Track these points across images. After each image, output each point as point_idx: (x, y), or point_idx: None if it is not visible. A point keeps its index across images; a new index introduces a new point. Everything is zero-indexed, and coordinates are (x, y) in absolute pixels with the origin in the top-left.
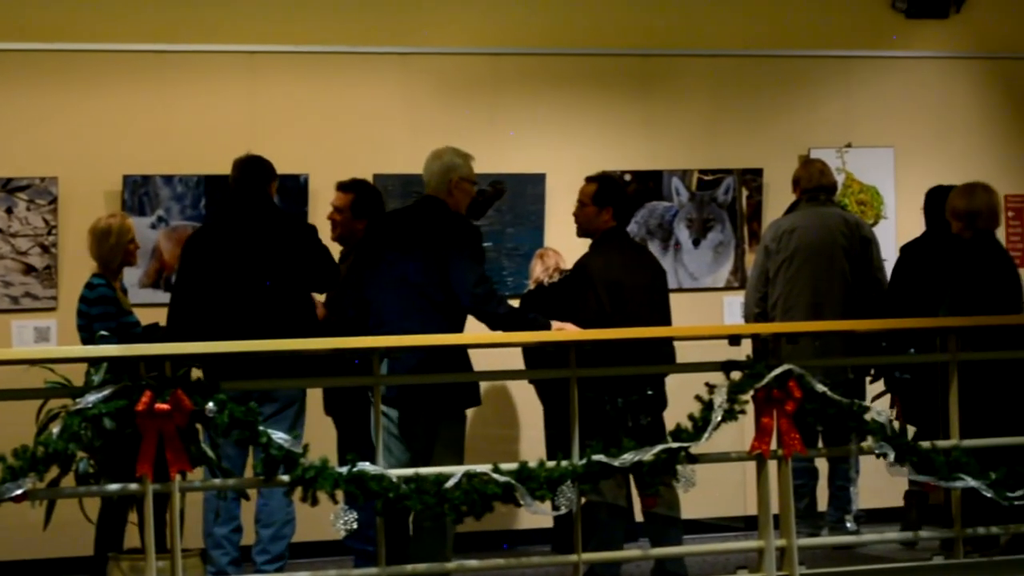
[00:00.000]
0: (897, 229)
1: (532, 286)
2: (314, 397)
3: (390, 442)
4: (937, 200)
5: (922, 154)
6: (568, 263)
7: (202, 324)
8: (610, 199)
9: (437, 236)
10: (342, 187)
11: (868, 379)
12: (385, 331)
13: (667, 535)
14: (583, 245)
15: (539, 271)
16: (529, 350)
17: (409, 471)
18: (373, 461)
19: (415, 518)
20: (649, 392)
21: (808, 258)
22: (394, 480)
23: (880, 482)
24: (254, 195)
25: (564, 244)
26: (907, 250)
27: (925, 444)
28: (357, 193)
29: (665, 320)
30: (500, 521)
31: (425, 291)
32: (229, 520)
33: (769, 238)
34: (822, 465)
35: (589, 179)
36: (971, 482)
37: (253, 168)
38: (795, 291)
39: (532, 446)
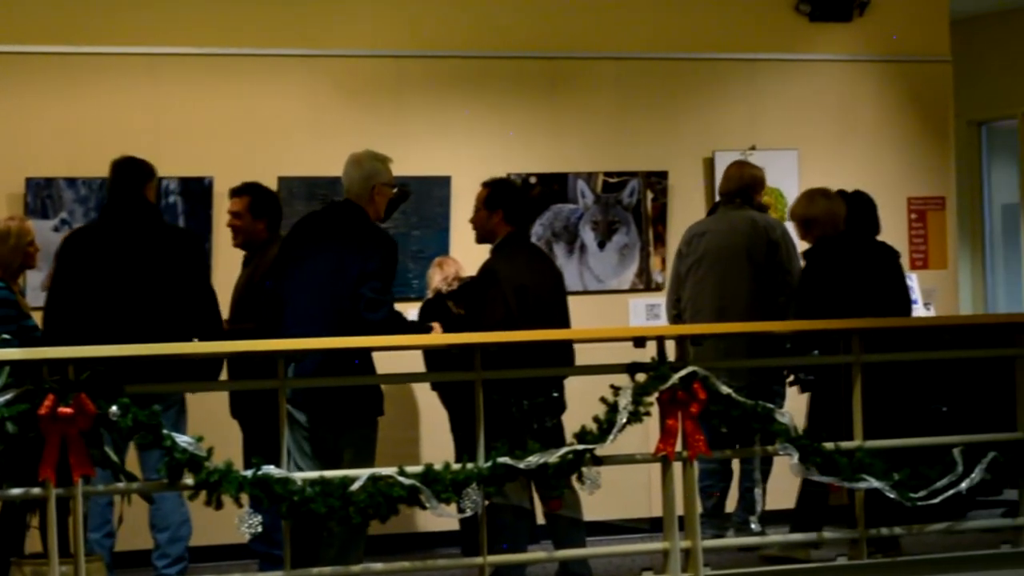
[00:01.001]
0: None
1: (430, 295)
2: (221, 399)
3: (298, 445)
4: (854, 204)
5: (826, 156)
6: (469, 270)
7: (78, 327)
8: (500, 202)
9: (353, 244)
10: (236, 192)
11: (788, 380)
12: (295, 334)
13: (570, 537)
14: (488, 249)
15: (437, 280)
16: (431, 354)
17: (314, 474)
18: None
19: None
20: (555, 394)
21: (715, 262)
22: (299, 483)
23: (788, 483)
24: (129, 197)
25: (470, 247)
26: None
27: (829, 445)
28: (252, 195)
29: (565, 323)
30: (407, 524)
31: (336, 296)
32: (102, 524)
33: (683, 241)
34: (736, 467)
35: (485, 183)
36: (874, 483)
37: (127, 170)
38: (702, 294)
39: (437, 448)
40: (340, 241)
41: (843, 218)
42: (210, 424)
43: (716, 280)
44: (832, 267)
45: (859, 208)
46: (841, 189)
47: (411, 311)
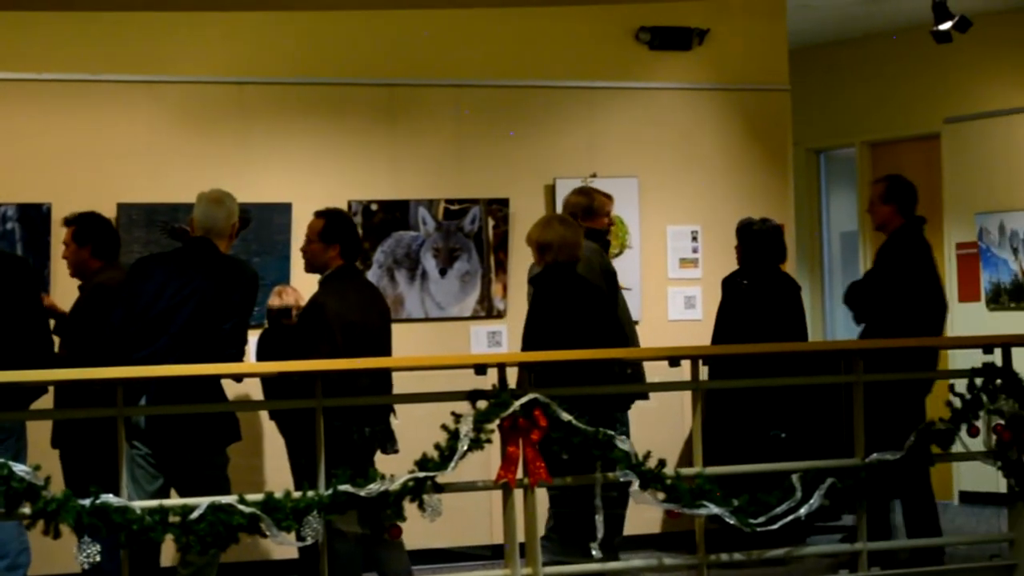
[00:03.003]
0: (641, 258)
1: (267, 324)
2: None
3: (138, 474)
4: (745, 234)
5: (666, 184)
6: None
7: None
8: (337, 236)
9: (217, 278)
10: (69, 222)
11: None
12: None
13: (396, 564)
14: None
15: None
16: (268, 382)
17: (153, 503)
18: (117, 493)
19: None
20: (396, 421)
21: None
22: (138, 512)
23: (636, 509)
24: None
25: (311, 275)
26: (728, 284)
27: (669, 472)
28: (78, 224)
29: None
30: (247, 553)
31: (195, 330)
32: None
33: None
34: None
35: (318, 214)
36: (714, 509)
37: None
38: None
39: (278, 476)
40: (203, 275)
41: (578, 245)
42: (30, 454)
43: None
44: (562, 294)
45: (763, 237)
46: (764, 218)
47: (251, 338)
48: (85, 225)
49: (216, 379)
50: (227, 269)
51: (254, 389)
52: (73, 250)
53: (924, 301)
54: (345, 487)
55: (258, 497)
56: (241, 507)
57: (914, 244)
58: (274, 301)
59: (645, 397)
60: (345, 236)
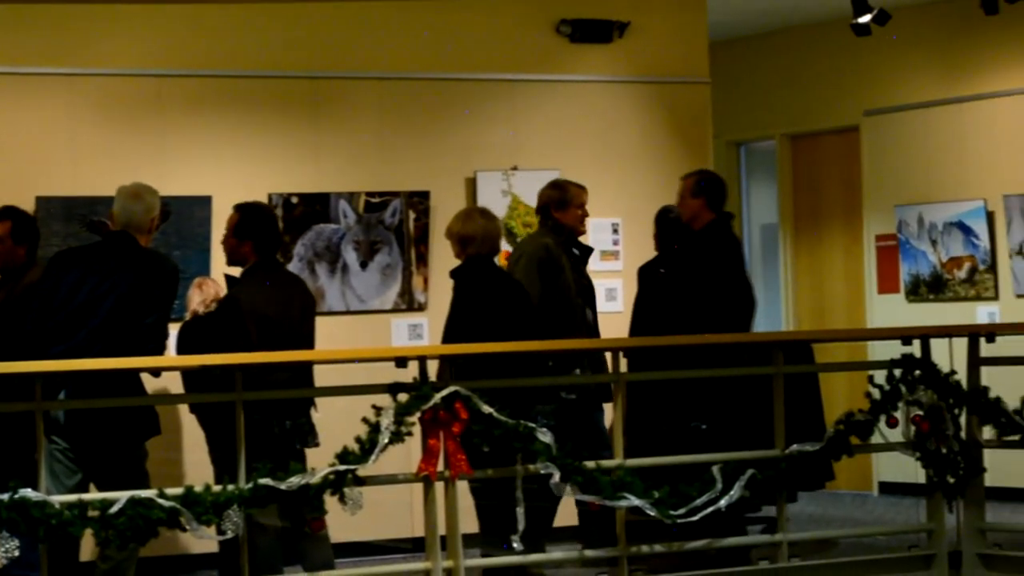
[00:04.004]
0: None
1: (188, 316)
2: None
3: (57, 469)
4: (663, 222)
5: (587, 176)
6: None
7: None
8: (251, 231)
9: (137, 272)
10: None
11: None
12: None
13: (318, 557)
14: None
15: (196, 301)
16: (188, 375)
17: (72, 497)
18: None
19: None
20: (317, 414)
21: None
22: (57, 507)
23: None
24: None
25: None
26: (644, 272)
27: (590, 464)
28: (14, 220)
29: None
30: (167, 547)
31: (116, 324)
32: None
33: None
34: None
35: (236, 208)
36: (635, 501)
37: None
38: None
39: (198, 470)
40: (122, 270)
41: (499, 237)
42: None
43: None
44: (482, 287)
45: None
46: (666, 206)
47: (171, 331)
48: (20, 223)
49: (135, 373)
50: (147, 263)
51: (173, 383)
52: (8, 246)
53: (729, 296)
54: (265, 481)
55: (178, 491)
56: (161, 501)
57: (722, 239)
58: (194, 294)
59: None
60: (258, 232)
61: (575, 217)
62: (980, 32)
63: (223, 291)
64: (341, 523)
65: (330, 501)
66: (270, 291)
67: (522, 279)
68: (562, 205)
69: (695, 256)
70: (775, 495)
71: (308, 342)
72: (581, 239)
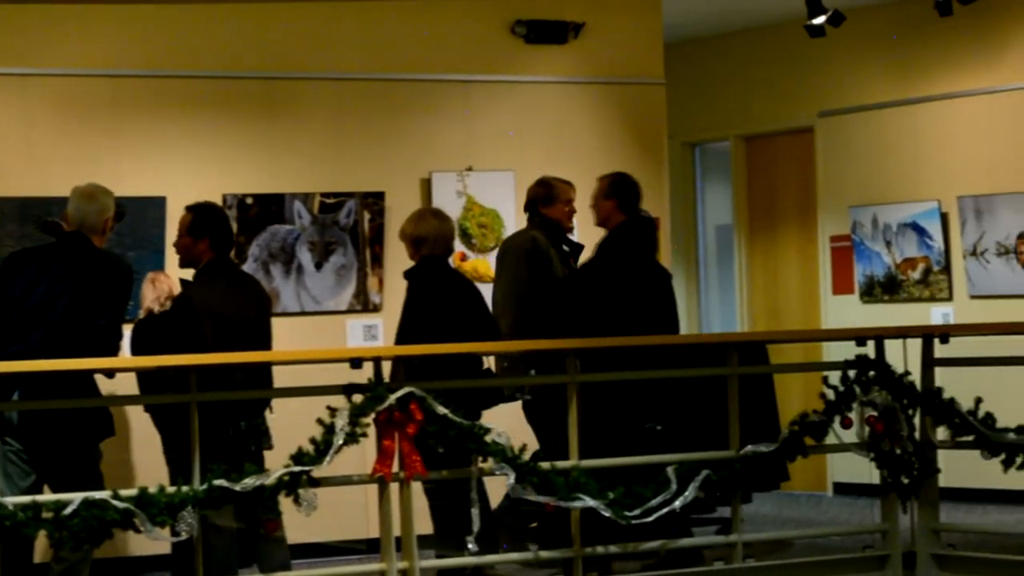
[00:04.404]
0: None
1: (143, 314)
2: None
3: (10, 470)
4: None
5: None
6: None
7: None
8: (207, 229)
9: (90, 272)
10: None
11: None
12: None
13: (275, 558)
14: None
15: (150, 299)
16: (143, 376)
17: (26, 499)
18: None
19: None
20: (272, 416)
21: None
22: (11, 508)
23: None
24: None
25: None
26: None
27: (545, 465)
28: None
29: (268, 348)
30: (122, 548)
31: (70, 325)
32: None
33: None
34: None
35: (188, 208)
36: (590, 502)
37: None
38: None
39: (152, 471)
40: (76, 270)
41: (452, 237)
42: None
43: None
44: (436, 288)
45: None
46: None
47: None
48: None
49: (89, 374)
50: (101, 264)
51: (127, 385)
52: None
53: (638, 298)
54: (220, 482)
55: (132, 492)
56: (115, 503)
57: (633, 241)
58: (147, 290)
59: (521, 392)
60: (214, 229)
61: (562, 213)
62: (934, 33)
63: (176, 287)
64: (296, 524)
65: (285, 502)
66: (226, 291)
67: (511, 271)
68: (548, 201)
69: (602, 258)
70: (730, 496)
71: (265, 343)
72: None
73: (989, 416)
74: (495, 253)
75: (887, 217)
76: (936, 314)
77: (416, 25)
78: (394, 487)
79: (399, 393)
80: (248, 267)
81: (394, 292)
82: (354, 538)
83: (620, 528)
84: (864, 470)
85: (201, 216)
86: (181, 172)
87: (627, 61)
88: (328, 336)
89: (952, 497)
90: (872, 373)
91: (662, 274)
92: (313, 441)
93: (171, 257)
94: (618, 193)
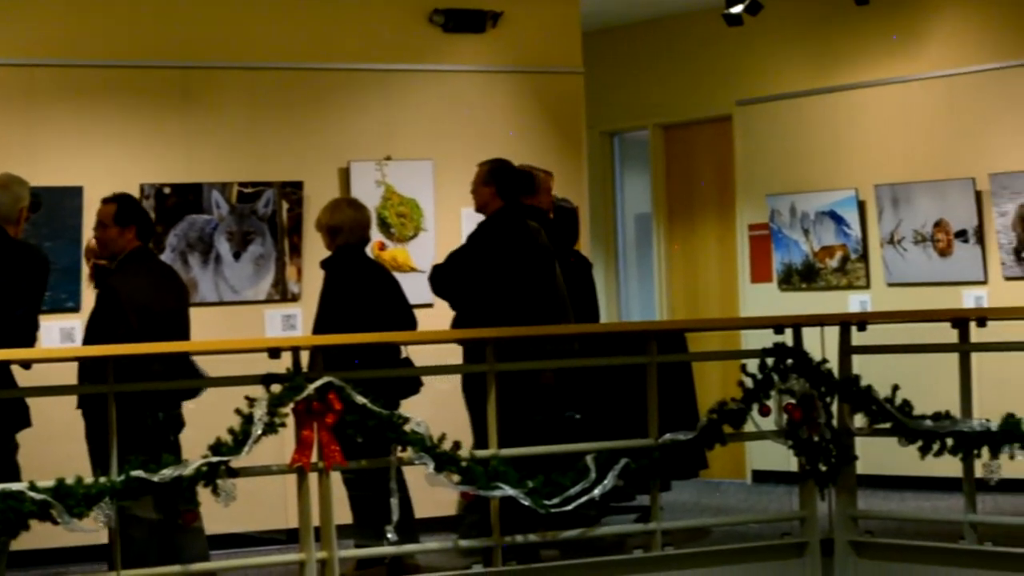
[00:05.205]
0: (436, 241)
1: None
2: None
3: None
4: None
5: (460, 166)
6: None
7: None
8: (132, 218)
9: (7, 264)
10: None
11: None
12: None
13: (193, 549)
14: None
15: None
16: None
17: None
18: None
19: None
20: (191, 406)
21: None
22: None
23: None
24: None
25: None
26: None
27: (464, 454)
28: None
29: (187, 339)
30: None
31: None
32: None
33: None
34: None
35: (107, 200)
36: (509, 491)
37: None
38: None
39: (71, 463)
40: None
41: (368, 227)
42: None
43: None
44: (352, 277)
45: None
46: (560, 198)
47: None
48: None
49: (5, 365)
50: (17, 254)
51: (43, 376)
52: None
53: (515, 284)
54: (137, 473)
55: (49, 484)
56: (32, 494)
57: (510, 227)
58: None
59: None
60: (137, 219)
61: (542, 203)
62: (852, 22)
63: None
64: (216, 515)
65: (204, 493)
66: (149, 281)
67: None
68: (533, 191)
69: (479, 243)
70: (649, 484)
71: (185, 332)
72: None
73: (906, 403)
74: (414, 242)
75: (805, 205)
76: (854, 302)
77: (334, 13)
78: (313, 477)
79: (318, 383)
80: (166, 257)
81: (312, 282)
82: (274, 528)
83: (543, 517)
84: (782, 458)
85: (125, 205)
86: (98, 162)
87: (545, 50)
88: (246, 326)
89: (870, 484)
90: (790, 361)
91: (581, 263)
92: (231, 432)
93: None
94: (496, 180)
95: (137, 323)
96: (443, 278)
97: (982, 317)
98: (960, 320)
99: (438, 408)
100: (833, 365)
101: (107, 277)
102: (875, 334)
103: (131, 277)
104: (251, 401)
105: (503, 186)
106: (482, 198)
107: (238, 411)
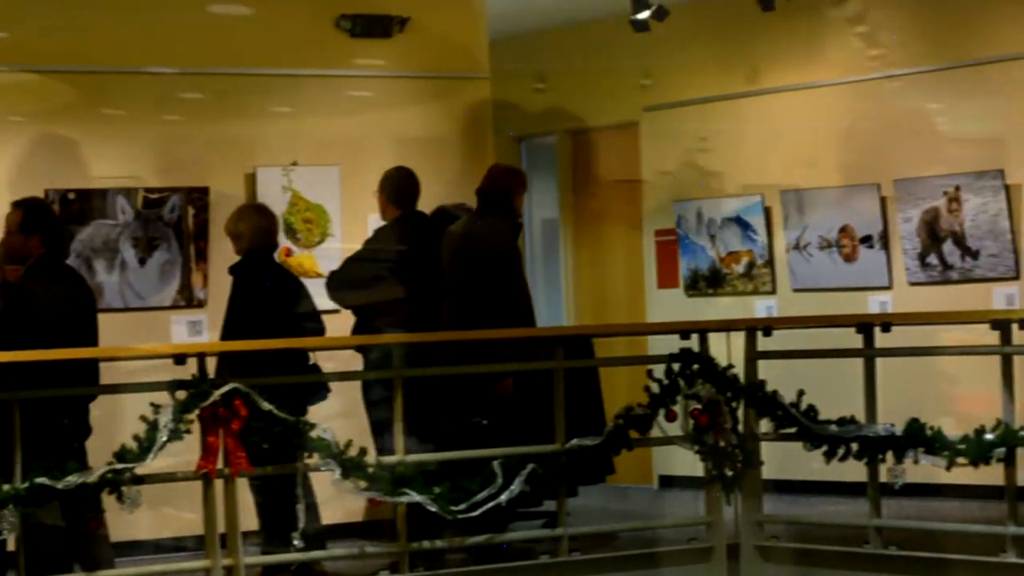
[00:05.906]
0: (343, 248)
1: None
2: None
3: None
4: (441, 220)
5: (368, 172)
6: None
7: None
8: (39, 226)
9: None
10: None
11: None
12: None
13: (98, 556)
14: None
15: None
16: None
17: None
18: None
19: None
20: (96, 412)
21: None
22: None
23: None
24: None
25: None
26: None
27: (371, 460)
28: None
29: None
30: None
31: None
32: None
33: None
34: None
35: (15, 204)
36: (416, 496)
37: None
38: None
39: None
40: None
41: (274, 232)
42: None
43: None
44: (259, 282)
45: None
46: (460, 204)
47: None
48: None
49: None
50: None
51: None
52: None
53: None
54: (42, 480)
55: None
56: None
57: (404, 235)
58: None
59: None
60: (46, 225)
61: (520, 203)
62: (757, 28)
63: None
64: (122, 522)
65: (109, 500)
66: (57, 285)
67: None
68: (521, 190)
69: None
70: (555, 489)
71: (93, 338)
72: None
73: (812, 408)
74: (321, 248)
75: (711, 211)
76: (760, 307)
77: (240, 18)
78: (219, 484)
79: (223, 389)
80: (71, 262)
81: (219, 288)
82: (180, 535)
83: (450, 523)
84: (689, 463)
85: (33, 212)
86: (1, 167)
87: (452, 55)
88: (152, 332)
89: (776, 489)
90: (696, 366)
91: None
92: (136, 438)
93: None
94: (385, 188)
95: (44, 330)
96: (339, 284)
97: (887, 322)
98: (865, 325)
99: (344, 414)
100: (739, 370)
101: (12, 285)
102: (781, 339)
103: (40, 284)
104: (156, 408)
105: (393, 194)
106: (379, 205)
107: (143, 418)
